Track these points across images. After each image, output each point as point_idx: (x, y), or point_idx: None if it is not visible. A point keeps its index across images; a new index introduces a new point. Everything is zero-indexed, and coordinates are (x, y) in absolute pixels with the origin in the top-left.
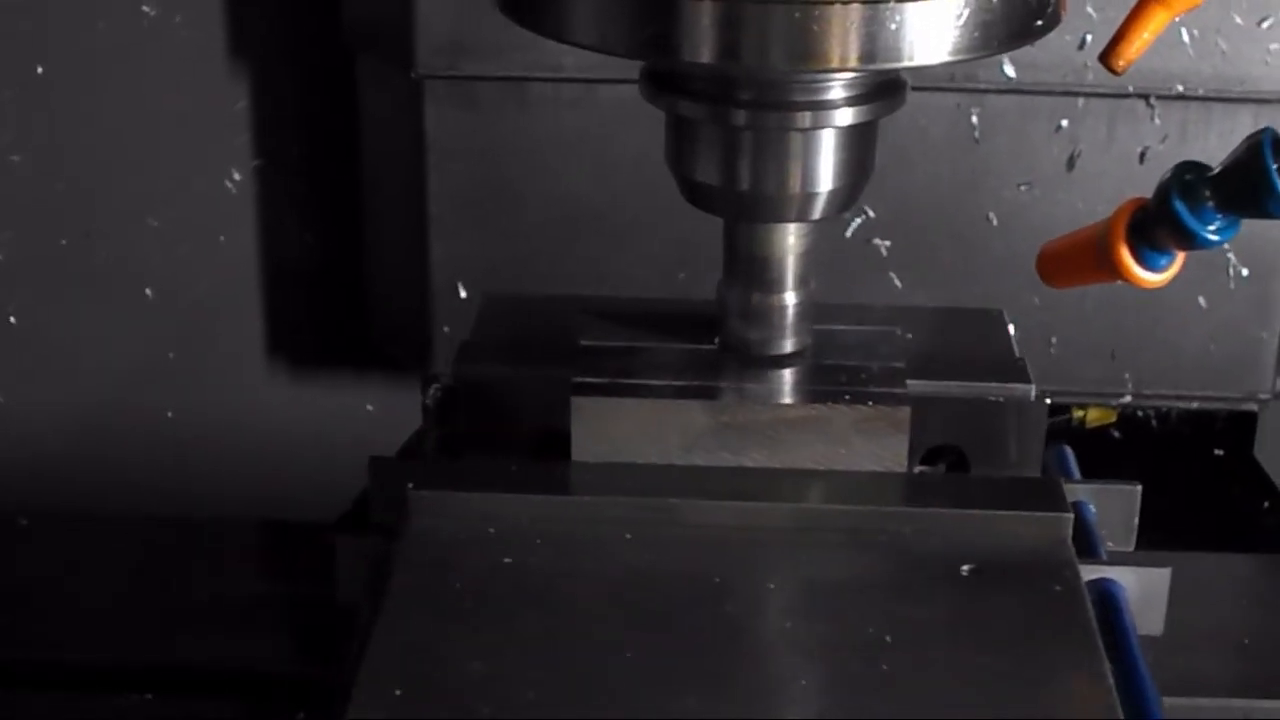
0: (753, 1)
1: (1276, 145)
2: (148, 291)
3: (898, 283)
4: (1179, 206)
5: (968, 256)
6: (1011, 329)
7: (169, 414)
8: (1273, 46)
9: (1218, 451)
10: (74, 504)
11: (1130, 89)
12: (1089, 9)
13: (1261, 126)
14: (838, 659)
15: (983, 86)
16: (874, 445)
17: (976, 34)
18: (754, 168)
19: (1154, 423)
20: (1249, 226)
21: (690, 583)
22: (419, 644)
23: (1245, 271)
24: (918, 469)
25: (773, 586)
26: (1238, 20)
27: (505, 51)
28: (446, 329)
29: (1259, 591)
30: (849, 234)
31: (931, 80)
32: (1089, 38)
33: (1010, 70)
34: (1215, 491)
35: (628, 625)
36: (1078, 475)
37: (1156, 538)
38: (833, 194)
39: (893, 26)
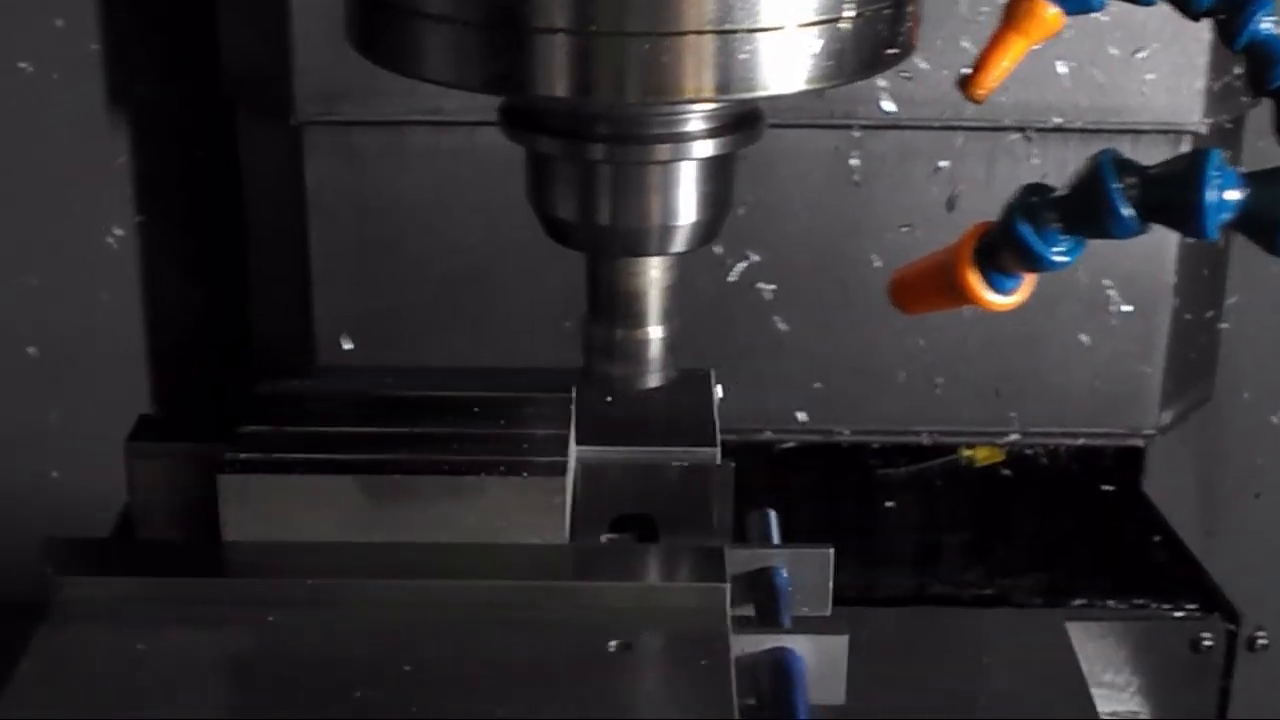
0: (602, 34)
1: (1118, 165)
2: (31, 350)
3: (782, 326)
4: (1023, 230)
5: (851, 299)
6: (719, 391)
7: (53, 474)
8: (1148, 77)
9: (1107, 487)
10: None
11: (1008, 121)
12: (964, 43)
13: (1138, 155)
14: None
15: (862, 121)
16: (532, 517)
17: (830, 63)
18: (613, 202)
19: (1043, 460)
20: (1130, 261)
21: (335, 666)
22: None
23: (1127, 307)
24: (604, 538)
25: (409, 669)
26: (1113, 51)
27: (383, 96)
28: None
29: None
30: (733, 278)
31: (811, 116)
32: (964, 71)
33: (890, 105)
34: (1105, 527)
35: (257, 711)
36: (777, 539)
37: (1050, 577)
38: (694, 226)
39: (743, 56)
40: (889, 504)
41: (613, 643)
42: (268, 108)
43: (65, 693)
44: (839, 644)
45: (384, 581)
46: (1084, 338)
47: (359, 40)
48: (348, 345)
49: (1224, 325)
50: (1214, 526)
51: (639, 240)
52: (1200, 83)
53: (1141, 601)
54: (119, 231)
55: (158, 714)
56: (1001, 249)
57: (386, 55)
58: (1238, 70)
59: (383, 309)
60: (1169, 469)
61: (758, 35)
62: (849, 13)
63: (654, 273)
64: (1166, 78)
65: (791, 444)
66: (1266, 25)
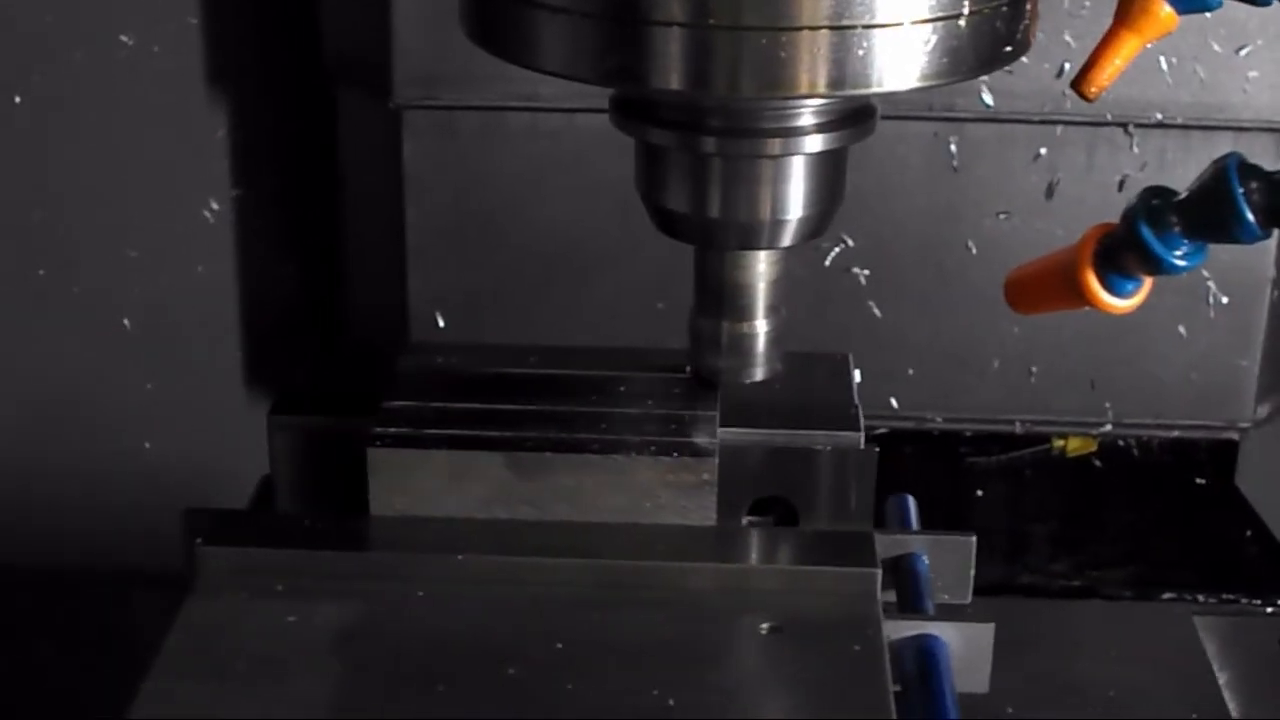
0: (719, 28)
1: (1243, 170)
2: (126, 322)
3: (876, 311)
4: (1145, 233)
5: (946, 285)
6: (857, 375)
7: (146, 445)
8: (1251, 74)
9: (1200, 480)
10: (49, 540)
11: (1109, 117)
12: (1067, 37)
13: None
14: None
15: (961, 115)
16: (681, 498)
17: (945, 60)
18: (724, 195)
19: (1135, 452)
20: (1228, 254)
21: (477, 642)
22: (184, 707)
23: (1225, 299)
24: (745, 520)
25: (561, 647)
26: (1216, 48)
27: (482, 81)
28: None
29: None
30: (828, 262)
31: (909, 109)
32: (1067, 65)
33: (989, 98)
34: (1198, 520)
35: (407, 687)
36: (915, 525)
37: (1140, 569)
38: (803, 221)
39: (860, 53)
40: (979, 493)
41: (764, 625)
42: (367, 88)
43: (214, 664)
44: (985, 632)
45: (532, 559)
46: (1181, 329)
47: (475, 30)
48: (442, 323)
49: None
50: None
51: (749, 234)
52: None
53: (1231, 596)
54: (215, 205)
55: (307, 686)
56: (1123, 252)
57: (503, 45)
58: None
59: (477, 288)
60: (1263, 463)
61: (874, 31)
62: (966, 9)
63: (762, 266)
64: (1270, 75)
65: (883, 430)
66: None
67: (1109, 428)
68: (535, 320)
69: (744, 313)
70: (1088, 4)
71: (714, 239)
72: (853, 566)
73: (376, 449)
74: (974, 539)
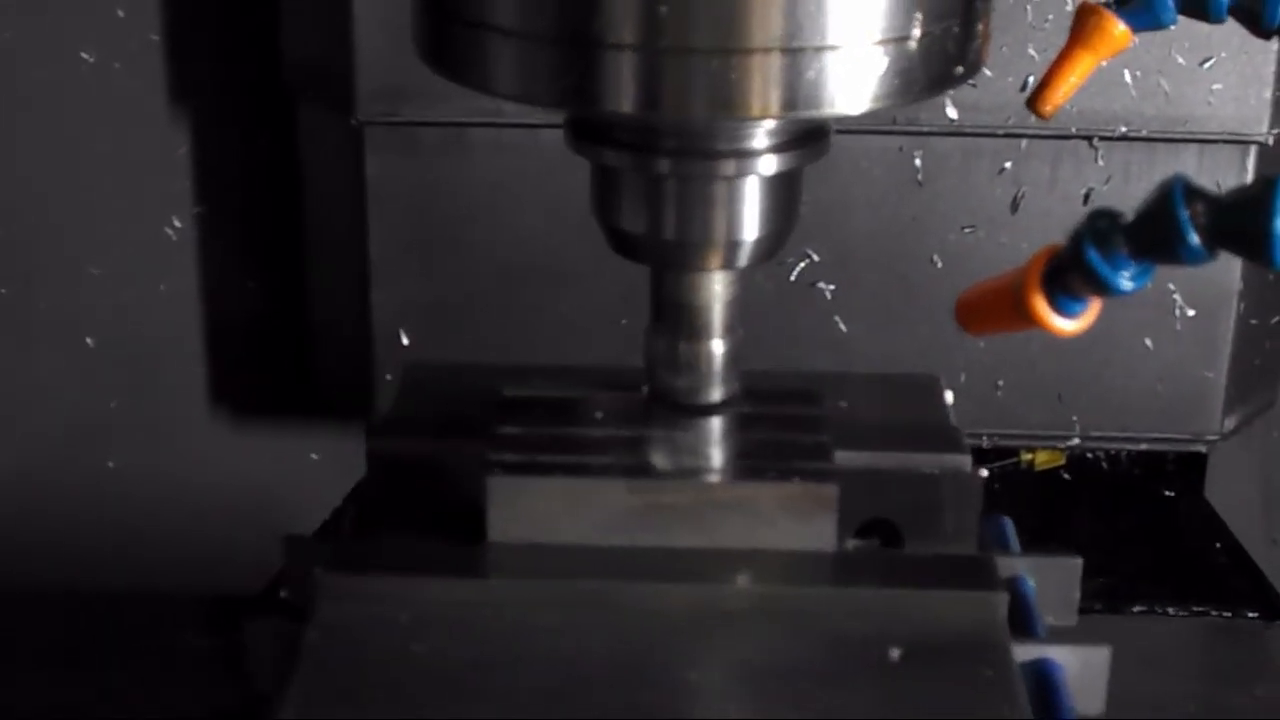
0: (671, 51)
1: (1188, 193)
2: (89, 340)
3: (842, 327)
4: (1092, 255)
5: (912, 300)
6: (950, 396)
7: (110, 464)
8: (1215, 86)
9: (1168, 493)
10: (9, 560)
11: (1073, 130)
12: (1030, 50)
13: (1204, 165)
14: None
15: (926, 129)
16: (801, 523)
17: (897, 81)
18: (679, 216)
19: (1104, 465)
20: (1195, 266)
21: (611, 670)
22: None
23: (1191, 312)
24: (850, 543)
25: (695, 675)
26: (1180, 61)
27: (445, 97)
28: (389, 376)
29: (1202, 658)
30: (793, 277)
31: (874, 123)
32: (1031, 79)
33: (953, 113)
34: (1167, 533)
35: (548, 715)
36: (1017, 548)
37: (1110, 581)
38: (758, 242)
39: (812, 75)
40: None
41: (893, 650)
42: (329, 103)
43: (347, 694)
44: (1101, 655)
45: (656, 585)
46: (1148, 342)
47: (426, 52)
48: (406, 340)
49: None
50: (1276, 533)
51: (704, 255)
52: (1267, 93)
53: (1202, 609)
54: (178, 223)
55: (440, 717)
56: (1069, 273)
57: (454, 68)
58: None
59: (440, 302)
60: (1231, 475)
61: (825, 54)
62: (917, 32)
63: (718, 287)
64: (1233, 87)
65: None
66: None
67: (1077, 441)
68: (498, 335)
69: (700, 333)
70: (1050, 17)
71: (669, 260)
72: (977, 590)
73: (495, 476)
74: (1080, 561)
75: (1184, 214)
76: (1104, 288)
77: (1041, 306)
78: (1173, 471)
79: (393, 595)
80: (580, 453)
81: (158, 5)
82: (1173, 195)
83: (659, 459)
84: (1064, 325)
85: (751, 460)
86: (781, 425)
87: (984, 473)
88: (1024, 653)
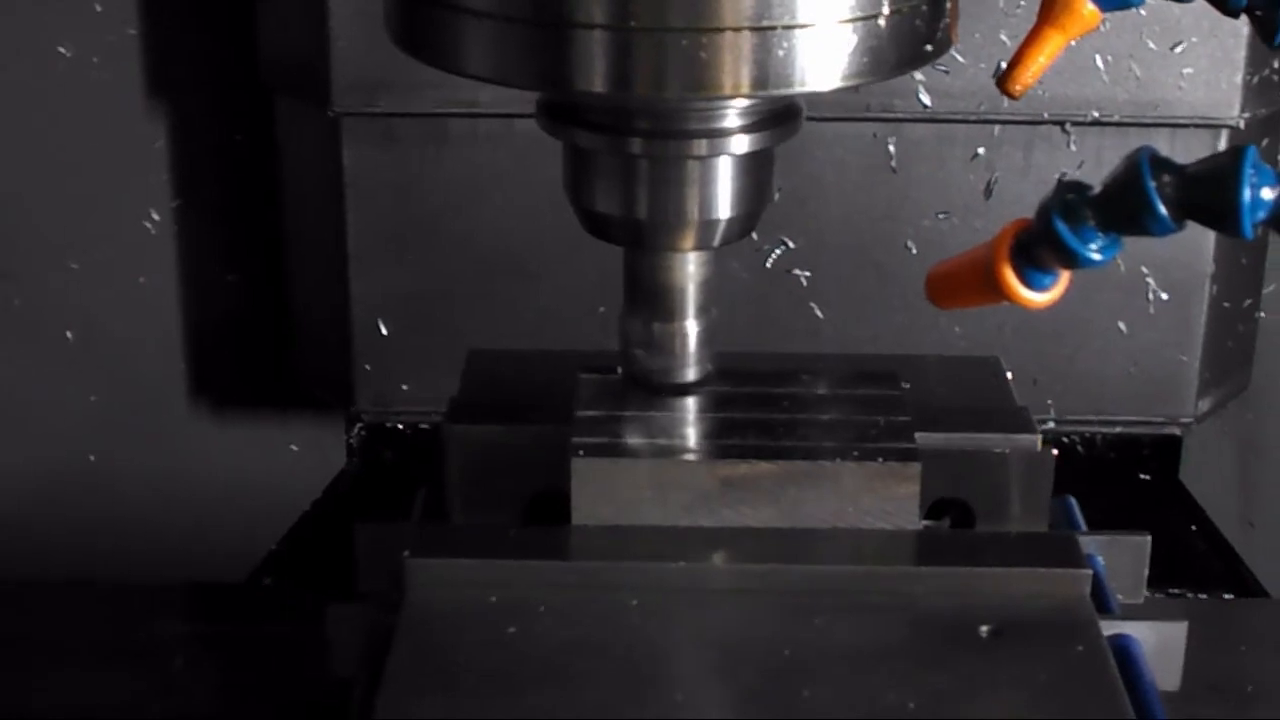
0: (641, 30)
1: (1155, 164)
2: (68, 334)
3: (818, 312)
4: (1060, 227)
5: (887, 286)
6: (1010, 376)
7: (91, 457)
8: (1185, 71)
9: (1144, 476)
10: None
11: (1046, 115)
12: (1002, 36)
13: (1176, 149)
14: None
15: (899, 115)
16: (884, 502)
17: (866, 59)
18: (652, 196)
19: (1080, 448)
20: (1167, 250)
21: (702, 650)
22: None
23: (1165, 295)
24: (923, 523)
25: (788, 653)
26: (1151, 46)
27: (422, 88)
28: (368, 366)
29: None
30: (769, 264)
31: (848, 110)
32: (1003, 64)
33: (926, 99)
34: (1143, 516)
35: (640, 697)
36: (1083, 526)
37: None
38: (731, 221)
39: (781, 53)
40: None
41: (983, 628)
42: (306, 96)
43: (444, 678)
44: (1178, 630)
45: (747, 566)
46: (1121, 326)
47: (400, 36)
48: (384, 331)
49: (1262, 314)
50: (1252, 516)
51: (677, 235)
52: (1238, 77)
53: (1178, 591)
54: (156, 216)
55: (542, 699)
56: (1038, 246)
57: (428, 51)
58: (1276, 64)
59: (419, 292)
60: (1206, 458)
61: (795, 32)
62: (886, 10)
63: (691, 267)
64: (1204, 72)
65: None
66: None
67: (1052, 425)
68: (477, 324)
69: (674, 313)
70: (1022, 3)
71: (642, 240)
72: (1063, 567)
73: (580, 459)
74: (1148, 538)
75: (1151, 185)
76: (1072, 259)
77: (1010, 279)
78: (1148, 455)
79: (480, 578)
80: (664, 435)
81: (135, 0)
82: (1140, 167)
83: (741, 440)
84: (1033, 298)
85: (835, 440)
86: (863, 406)
87: (1054, 452)
88: (1103, 629)
